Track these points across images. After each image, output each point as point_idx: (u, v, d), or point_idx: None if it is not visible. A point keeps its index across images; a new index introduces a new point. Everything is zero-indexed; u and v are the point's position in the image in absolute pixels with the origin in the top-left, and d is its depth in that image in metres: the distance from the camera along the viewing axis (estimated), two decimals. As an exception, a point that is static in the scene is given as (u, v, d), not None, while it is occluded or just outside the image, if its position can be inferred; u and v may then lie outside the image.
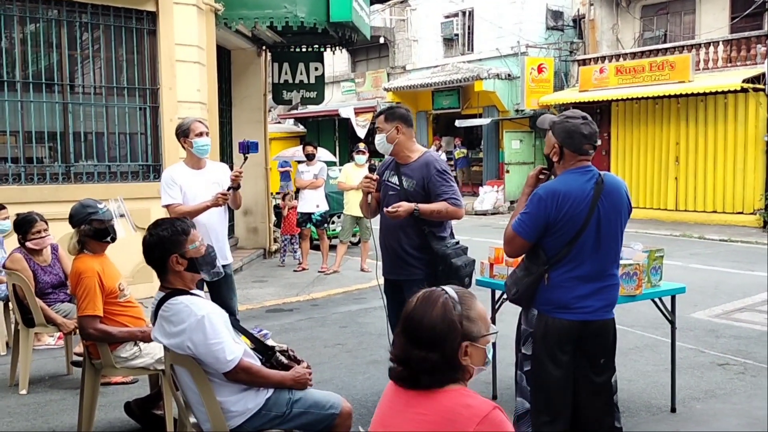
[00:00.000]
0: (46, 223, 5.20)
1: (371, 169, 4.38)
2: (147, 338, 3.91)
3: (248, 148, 4.94)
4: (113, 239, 4.18)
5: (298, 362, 3.25)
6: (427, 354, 1.90)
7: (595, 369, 3.29)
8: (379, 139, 4.25)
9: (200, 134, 4.84)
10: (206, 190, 4.84)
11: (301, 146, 15.67)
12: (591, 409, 3.32)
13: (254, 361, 3.04)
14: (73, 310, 4.83)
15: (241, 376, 2.91)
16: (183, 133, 4.89)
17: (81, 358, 4.28)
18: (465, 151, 22.75)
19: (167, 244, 3.02)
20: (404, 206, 4.01)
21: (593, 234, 3.20)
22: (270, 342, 3.38)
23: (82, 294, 3.93)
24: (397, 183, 4.24)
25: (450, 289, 2.00)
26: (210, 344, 2.85)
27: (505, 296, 4.00)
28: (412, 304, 2.00)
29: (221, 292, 4.96)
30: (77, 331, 4.33)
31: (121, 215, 4.26)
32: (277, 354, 3.24)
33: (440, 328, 1.91)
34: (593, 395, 3.31)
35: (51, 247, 5.23)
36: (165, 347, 3.01)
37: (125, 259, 6.67)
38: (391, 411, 2.00)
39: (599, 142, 3.34)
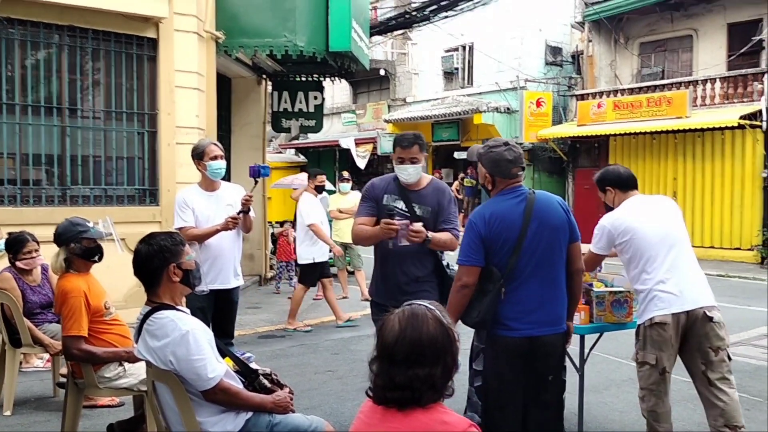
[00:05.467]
0: (38, 244, 5.20)
1: (389, 214, 3.95)
2: (132, 358, 3.88)
3: (259, 172, 4.97)
4: (100, 258, 4.17)
5: (281, 387, 3.21)
6: (431, 369, 1.90)
7: (544, 385, 3.35)
8: (414, 170, 4.03)
9: (215, 157, 4.90)
10: (219, 212, 4.87)
11: (302, 174, 15.76)
12: (539, 426, 3.37)
13: (235, 383, 3.01)
14: (60, 330, 4.80)
15: (219, 397, 2.87)
16: (198, 155, 4.94)
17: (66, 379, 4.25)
18: (474, 181, 22.77)
19: (167, 253, 2.99)
20: (424, 233, 3.86)
21: (530, 250, 3.28)
22: (254, 365, 3.35)
23: (67, 314, 3.91)
24: (406, 209, 4.04)
25: (425, 303, 1.99)
26: (192, 360, 2.83)
27: None
28: (396, 327, 1.94)
29: (222, 315, 4.99)
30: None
31: (109, 235, 4.24)
32: (261, 377, 3.21)
33: (441, 339, 1.92)
34: (542, 411, 3.37)
35: (41, 267, 5.22)
36: (147, 363, 2.98)
37: (118, 282, 6.65)
38: (366, 428, 1.97)
39: (524, 164, 3.49)
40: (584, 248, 4.22)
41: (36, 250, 5.15)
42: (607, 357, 6.54)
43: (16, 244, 5.13)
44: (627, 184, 4.06)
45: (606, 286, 4.29)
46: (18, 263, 5.11)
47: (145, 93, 8.13)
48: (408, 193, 4.07)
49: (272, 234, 12.47)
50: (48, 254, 5.27)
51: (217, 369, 2.89)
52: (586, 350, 4.28)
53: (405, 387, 1.90)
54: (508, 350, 3.30)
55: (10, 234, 5.31)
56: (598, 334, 4.49)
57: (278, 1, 8.80)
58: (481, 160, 3.47)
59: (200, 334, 2.92)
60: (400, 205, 4.05)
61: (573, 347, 4.18)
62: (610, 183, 4.09)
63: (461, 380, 4.49)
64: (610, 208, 4.11)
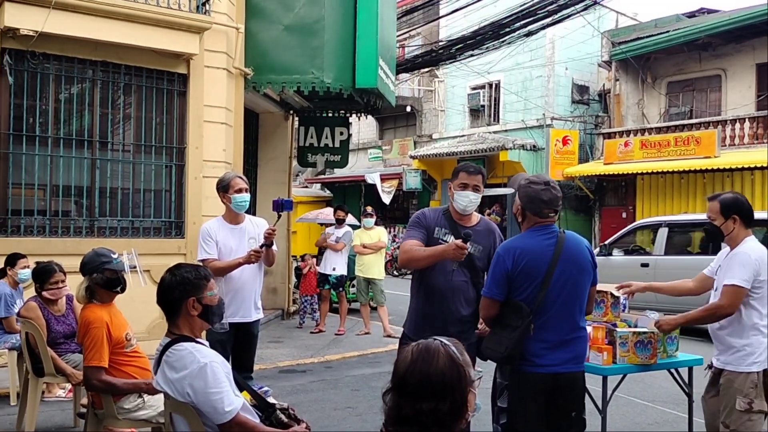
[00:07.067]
0: (65, 275, 5.26)
1: (466, 238, 3.68)
2: (151, 390, 3.88)
3: (282, 206, 4.97)
4: (122, 290, 4.20)
5: (298, 422, 3.20)
6: (437, 404, 1.88)
7: (567, 423, 3.34)
8: (476, 198, 3.92)
9: (239, 190, 4.93)
10: (242, 245, 4.90)
11: (327, 209, 15.88)
12: None
13: (252, 417, 3.00)
14: (82, 360, 4.83)
15: (236, 430, 2.86)
16: (222, 188, 4.98)
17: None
18: (498, 218, 22.72)
19: (188, 285, 3.01)
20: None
21: (557, 288, 3.30)
22: (271, 399, 3.34)
23: (89, 344, 3.94)
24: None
25: (443, 339, 1.99)
26: (209, 392, 2.82)
27: None
28: (408, 359, 1.96)
29: (242, 348, 4.98)
30: (85, 382, 4.31)
31: (133, 267, 4.28)
32: (277, 412, 3.19)
33: (450, 375, 1.91)
34: None
35: (66, 297, 5.28)
36: (165, 395, 2.98)
37: (141, 313, 6.72)
38: None
39: (560, 206, 3.48)
40: (604, 287, 4.18)
41: (62, 281, 5.21)
42: (632, 400, 6.40)
43: (44, 274, 5.20)
44: (751, 220, 3.88)
45: (629, 326, 4.22)
46: (44, 293, 5.16)
47: (174, 127, 8.27)
48: (459, 228, 3.89)
49: (296, 268, 12.51)
50: (74, 284, 5.34)
51: (234, 402, 2.88)
52: (609, 392, 4.19)
53: (412, 420, 1.89)
54: (533, 386, 3.30)
55: (38, 263, 5.39)
56: (621, 376, 4.40)
57: (306, 39, 8.95)
58: (519, 191, 3.50)
59: (218, 367, 2.92)
60: (451, 239, 3.85)
61: (595, 388, 4.11)
62: (738, 212, 3.81)
63: (483, 419, 4.42)
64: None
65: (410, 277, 4.28)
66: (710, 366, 3.99)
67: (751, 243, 3.80)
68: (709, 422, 3.92)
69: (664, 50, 18.36)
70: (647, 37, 18.66)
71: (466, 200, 3.90)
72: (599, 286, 3.81)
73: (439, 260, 3.82)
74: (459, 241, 3.58)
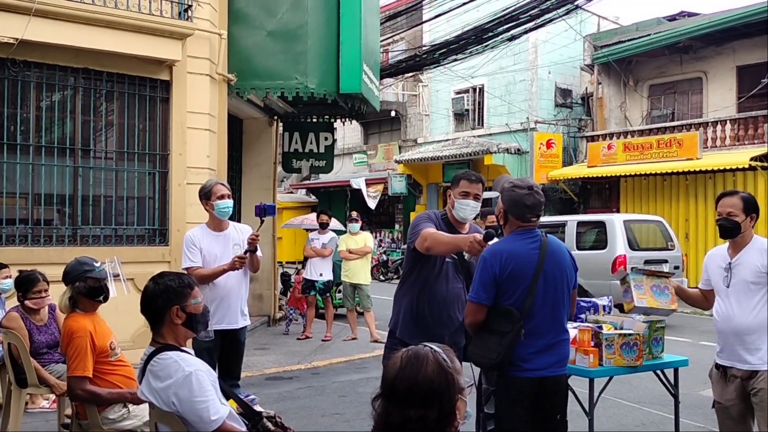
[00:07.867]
0: (48, 284, 5.21)
1: (488, 237, 3.52)
2: (136, 400, 3.84)
3: (264, 211, 4.96)
4: (105, 299, 4.16)
5: (285, 430, 3.17)
6: (425, 411, 1.87)
7: (552, 426, 3.35)
8: (476, 206, 3.99)
9: (222, 197, 4.91)
10: (227, 252, 4.88)
11: (313, 214, 15.82)
12: None
13: (239, 425, 2.97)
14: (66, 371, 4.77)
15: (222, 440, 2.83)
16: (205, 195, 4.96)
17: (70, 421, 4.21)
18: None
19: (172, 294, 2.98)
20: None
21: (544, 292, 3.33)
22: (257, 407, 3.32)
23: (73, 354, 3.89)
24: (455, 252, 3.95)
25: (433, 346, 1.97)
26: (195, 401, 2.80)
27: None
28: (397, 365, 1.95)
29: (229, 356, 4.96)
30: (69, 392, 4.26)
31: (116, 275, 4.24)
32: (264, 420, 3.17)
33: (438, 382, 1.89)
34: None
35: (49, 306, 5.22)
36: (150, 405, 2.95)
37: (126, 322, 6.67)
38: None
39: (543, 211, 3.48)
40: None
41: (45, 290, 5.15)
42: (618, 401, 6.43)
43: (27, 283, 5.13)
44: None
45: (615, 328, 4.24)
46: (27, 302, 5.10)
47: (157, 134, 8.22)
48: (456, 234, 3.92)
49: (282, 274, 12.45)
50: (57, 294, 5.28)
51: (220, 411, 2.86)
52: (596, 394, 4.20)
53: (400, 427, 1.88)
54: (521, 391, 3.30)
55: (20, 272, 5.32)
56: (607, 378, 4.42)
57: (289, 44, 8.93)
58: (502, 195, 3.49)
59: (204, 376, 2.89)
60: None
61: (582, 390, 4.12)
62: (755, 211, 3.87)
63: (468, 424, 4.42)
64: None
65: (396, 281, 4.27)
66: (718, 367, 3.88)
67: (762, 239, 3.87)
68: (731, 429, 3.82)
69: (646, 53, 18.53)
70: (629, 40, 18.82)
71: (468, 209, 3.97)
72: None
73: (456, 249, 3.85)
74: (480, 237, 3.52)
